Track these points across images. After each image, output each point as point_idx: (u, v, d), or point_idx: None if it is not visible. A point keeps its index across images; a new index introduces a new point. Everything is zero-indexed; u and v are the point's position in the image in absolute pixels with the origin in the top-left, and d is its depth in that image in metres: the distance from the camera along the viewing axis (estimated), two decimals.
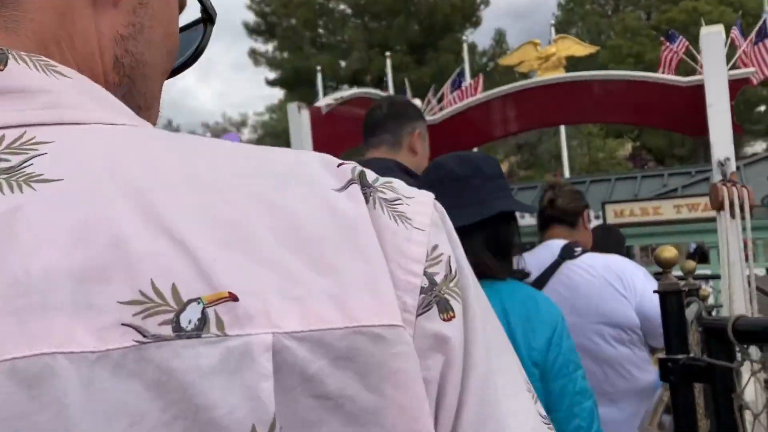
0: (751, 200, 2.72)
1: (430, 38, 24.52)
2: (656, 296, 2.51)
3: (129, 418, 0.33)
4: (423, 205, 0.45)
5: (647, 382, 2.30)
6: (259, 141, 35.65)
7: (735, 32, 4.98)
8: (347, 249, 0.40)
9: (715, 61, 2.98)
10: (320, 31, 27.59)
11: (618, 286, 2.23)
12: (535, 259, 2.28)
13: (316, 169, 0.44)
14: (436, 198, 0.47)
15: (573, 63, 6.40)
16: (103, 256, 0.35)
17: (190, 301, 0.35)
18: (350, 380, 0.37)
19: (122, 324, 0.34)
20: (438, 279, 0.43)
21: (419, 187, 0.48)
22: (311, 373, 0.37)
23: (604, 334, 2.24)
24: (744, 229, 2.62)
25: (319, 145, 4.02)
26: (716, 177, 2.98)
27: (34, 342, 0.33)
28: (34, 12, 0.44)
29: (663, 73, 5.28)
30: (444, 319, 0.42)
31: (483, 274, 1.46)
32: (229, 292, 0.36)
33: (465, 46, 16.36)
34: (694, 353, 1.33)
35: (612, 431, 2.13)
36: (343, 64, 25.57)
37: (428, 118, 5.52)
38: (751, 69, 4.16)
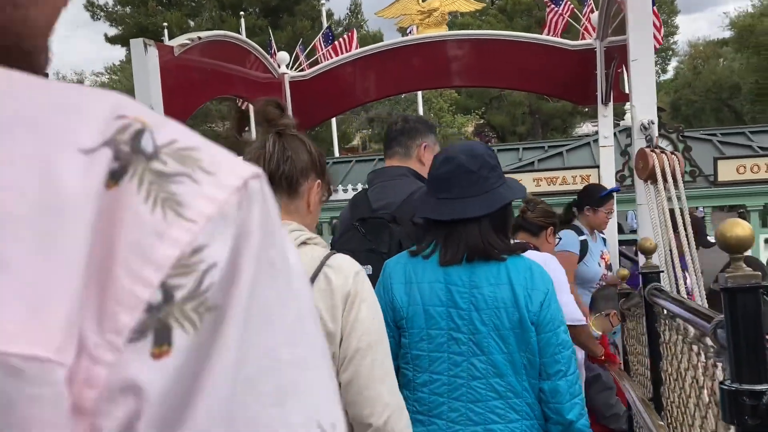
0: (682, 169, 2.42)
1: (286, 2, 23.45)
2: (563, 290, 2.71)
3: None
4: (218, 188, 0.33)
5: (580, 359, 2.83)
6: None
7: None
8: (35, 239, 0.30)
9: (640, 12, 2.62)
10: None
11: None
12: None
13: (77, 118, 0.33)
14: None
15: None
16: None
17: None
18: None
19: None
20: (178, 295, 0.31)
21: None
22: None
23: None
24: (679, 198, 2.30)
25: (170, 96, 3.28)
26: (639, 143, 2.66)
27: None
28: None
29: (549, 36, 5.03)
30: (154, 355, 0.31)
31: (489, 256, 1.80)
32: None
33: (324, 12, 15.75)
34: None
35: None
36: (192, 23, 23.79)
37: (297, 74, 4.90)
38: None
